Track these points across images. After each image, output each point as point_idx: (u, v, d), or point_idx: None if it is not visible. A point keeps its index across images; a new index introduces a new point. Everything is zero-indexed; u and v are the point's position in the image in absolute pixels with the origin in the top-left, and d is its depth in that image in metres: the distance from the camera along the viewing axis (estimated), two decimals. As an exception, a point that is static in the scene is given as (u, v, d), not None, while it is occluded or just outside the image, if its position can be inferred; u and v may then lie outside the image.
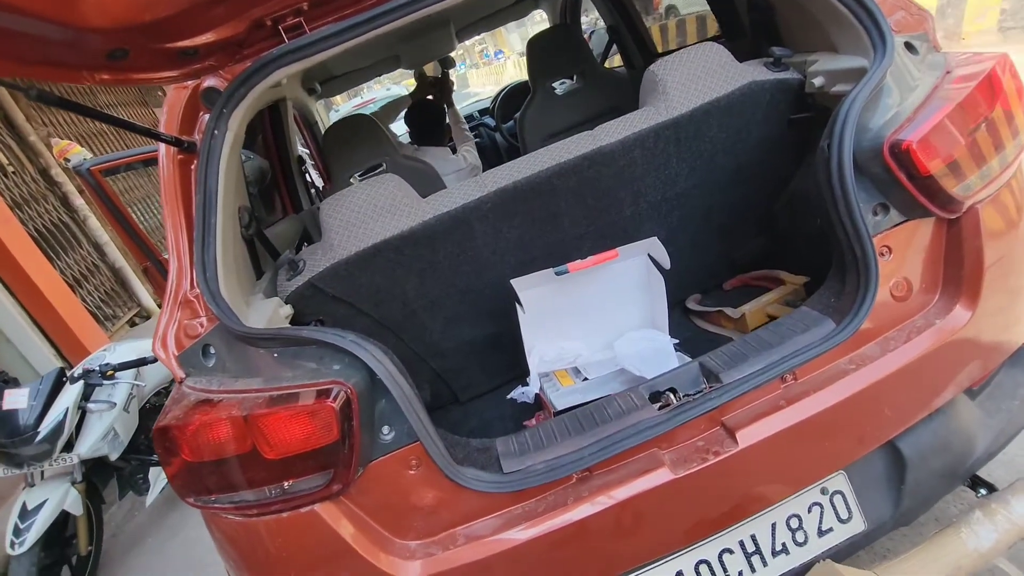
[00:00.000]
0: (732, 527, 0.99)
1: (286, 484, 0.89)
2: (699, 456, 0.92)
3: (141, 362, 2.68)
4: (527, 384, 1.30)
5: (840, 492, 1.03)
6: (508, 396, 1.34)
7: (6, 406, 2.29)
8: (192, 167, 1.10)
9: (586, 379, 1.29)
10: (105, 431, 2.52)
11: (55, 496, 2.38)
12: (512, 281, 1.19)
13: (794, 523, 1.02)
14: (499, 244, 1.24)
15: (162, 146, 1.10)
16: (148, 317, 5.80)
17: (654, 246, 1.23)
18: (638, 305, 1.33)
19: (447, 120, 2.45)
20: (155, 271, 2.51)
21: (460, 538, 0.93)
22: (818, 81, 1.15)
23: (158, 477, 2.88)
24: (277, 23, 1.06)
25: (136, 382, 2.67)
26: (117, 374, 2.59)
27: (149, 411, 2.89)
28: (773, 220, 1.46)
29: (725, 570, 1.01)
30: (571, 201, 1.24)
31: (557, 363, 1.34)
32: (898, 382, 0.96)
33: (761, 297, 1.39)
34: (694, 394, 0.95)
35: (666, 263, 1.23)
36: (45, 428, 2.32)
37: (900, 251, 0.97)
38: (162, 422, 0.91)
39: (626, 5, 2.12)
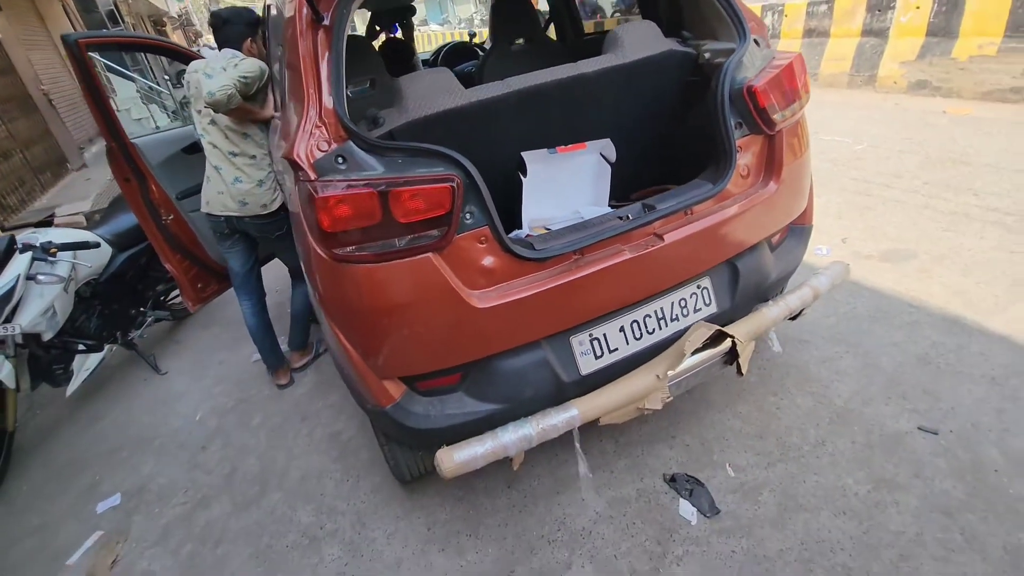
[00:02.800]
0: (651, 300, 1.71)
1: (409, 237, 1.40)
2: (643, 247, 1.61)
3: (83, 245, 2.75)
4: (519, 229, 1.91)
5: (706, 288, 1.81)
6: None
7: (-45, 265, 2.27)
8: (319, 34, 1.53)
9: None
10: (46, 306, 2.58)
11: (-8, 365, 2.40)
12: (523, 153, 1.79)
13: (683, 303, 1.77)
14: (510, 130, 1.82)
15: (303, 16, 1.50)
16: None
17: (607, 146, 1.92)
18: (590, 186, 2.01)
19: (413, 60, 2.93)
20: (118, 152, 2.61)
21: (507, 288, 1.52)
22: (707, 55, 1.93)
23: (82, 366, 2.92)
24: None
25: (79, 262, 2.72)
26: (59, 253, 2.64)
27: (78, 302, 2.91)
28: (668, 149, 2.23)
29: (647, 327, 1.72)
30: (558, 108, 1.86)
31: (536, 221, 1.96)
32: (740, 222, 1.76)
33: (660, 196, 2.15)
34: (639, 215, 1.65)
35: (612, 158, 1.93)
36: (-3, 292, 2.34)
37: (745, 150, 1.77)
38: (322, 194, 1.37)
39: (569, -6, 2.82)
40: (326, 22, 1.52)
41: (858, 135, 4.66)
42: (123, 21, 12.58)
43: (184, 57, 2.74)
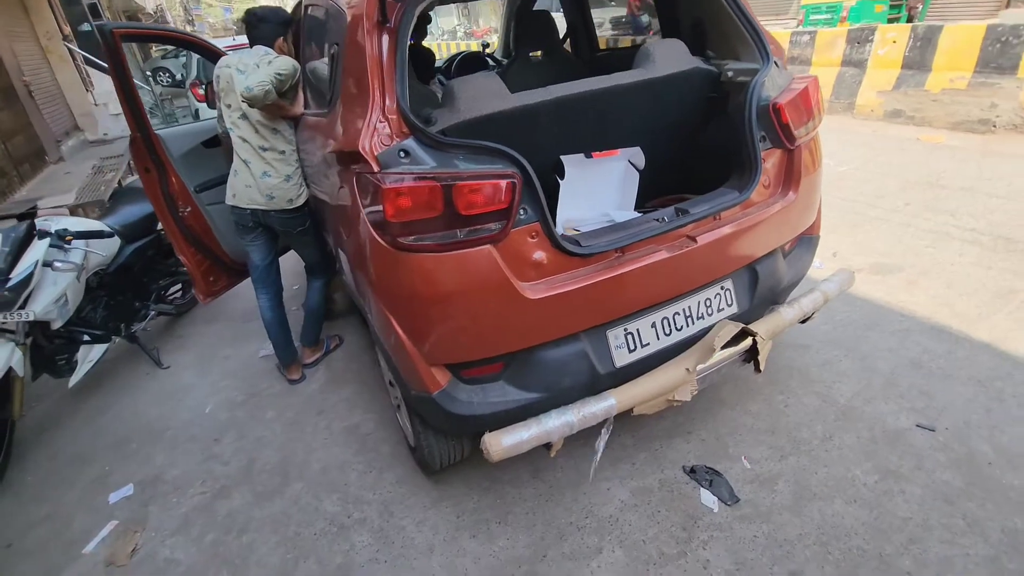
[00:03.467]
0: (680, 298, 1.82)
1: (469, 229, 1.47)
2: (678, 247, 1.72)
3: (98, 234, 2.74)
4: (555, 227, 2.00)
5: (728, 289, 1.93)
6: None
7: (-24, 248, 2.25)
8: (383, 36, 1.60)
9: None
10: (59, 294, 2.56)
11: (3, 351, 2.37)
12: (562, 157, 1.89)
13: (708, 302, 1.89)
14: (548, 134, 1.92)
15: (370, 17, 1.58)
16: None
17: (637, 154, 2.03)
18: (619, 191, 2.11)
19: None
20: (141, 143, 2.62)
21: (554, 282, 1.61)
22: (731, 73, 2.07)
23: (86, 356, 2.88)
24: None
25: (93, 250, 2.71)
26: (73, 241, 2.62)
27: (85, 292, 2.87)
28: (685, 159, 2.36)
29: (675, 323, 1.83)
30: (592, 116, 1.97)
31: (568, 222, 2.06)
32: (762, 229, 1.89)
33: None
34: (673, 218, 1.76)
35: (641, 165, 2.05)
36: (16, 276, 2.33)
37: (768, 161, 1.90)
38: (388, 185, 1.44)
39: (586, 11, 2.95)
40: (391, 24, 1.60)
41: (840, 158, 4.92)
42: (104, 15, 12.34)
43: (210, 53, 2.77)
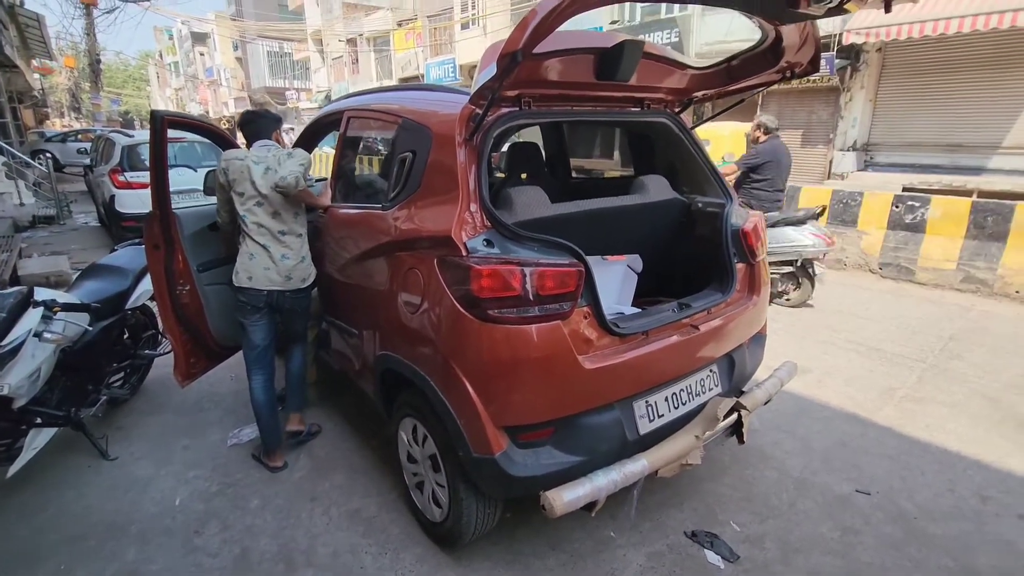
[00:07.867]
0: (683, 377, 2.20)
1: (544, 307, 1.78)
2: (685, 333, 2.13)
3: (83, 307, 2.66)
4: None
5: (715, 372, 2.35)
6: None
7: (-30, 312, 2.11)
8: (468, 150, 1.96)
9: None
10: (35, 368, 2.41)
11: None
12: (587, 256, 2.29)
13: (702, 382, 2.28)
14: (576, 237, 2.33)
15: (459, 135, 1.94)
16: None
17: (636, 259, 2.50)
18: (619, 289, 2.54)
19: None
20: (157, 221, 2.64)
21: (600, 356, 1.92)
22: (700, 205, 2.67)
23: (32, 442, 2.63)
24: (521, 99, 2.09)
25: (74, 322, 2.59)
26: (59, 313, 2.52)
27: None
28: (660, 267, 2.88)
29: (681, 399, 2.19)
30: (605, 226, 2.44)
31: (582, 312, 2.42)
32: (738, 322, 2.37)
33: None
34: (678, 311, 2.19)
35: (639, 269, 2.51)
36: (7, 345, 2.19)
37: (738, 273, 2.44)
38: (479, 267, 1.72)
39: (564, 146, 3.60)
40: (474, 142, 1.97)
41: (737, 282, 5.90)
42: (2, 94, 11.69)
43: (227, 143, 2.93)
